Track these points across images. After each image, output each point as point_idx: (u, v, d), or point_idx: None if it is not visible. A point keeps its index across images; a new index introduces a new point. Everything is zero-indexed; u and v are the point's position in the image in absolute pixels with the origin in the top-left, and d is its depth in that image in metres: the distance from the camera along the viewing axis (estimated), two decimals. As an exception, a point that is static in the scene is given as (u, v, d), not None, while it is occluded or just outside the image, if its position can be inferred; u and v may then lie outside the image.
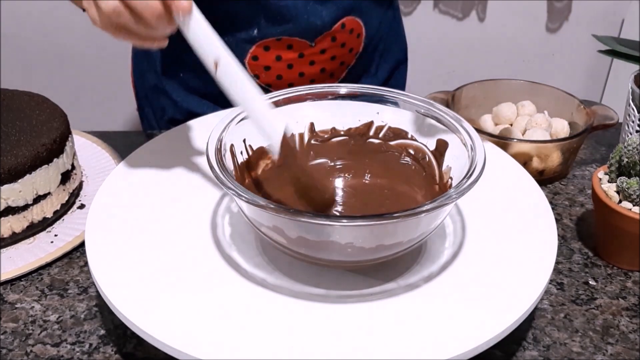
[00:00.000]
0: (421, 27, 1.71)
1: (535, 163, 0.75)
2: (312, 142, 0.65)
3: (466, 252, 0.56)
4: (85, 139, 0.80)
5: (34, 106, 0.71)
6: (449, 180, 0.58)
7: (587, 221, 0.71)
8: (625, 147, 0.61)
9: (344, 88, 0.63)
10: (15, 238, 0.65)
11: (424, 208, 0.47)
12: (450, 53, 1.79)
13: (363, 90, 0.63)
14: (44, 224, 0.67)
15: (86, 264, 0.60)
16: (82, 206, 0.70)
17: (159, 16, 0.51)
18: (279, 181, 0.60)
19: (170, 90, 0.90)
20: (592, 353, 0.55)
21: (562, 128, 0.79)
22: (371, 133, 0.65)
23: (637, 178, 0.60)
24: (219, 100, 0.86)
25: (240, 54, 0.82)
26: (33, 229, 0.66)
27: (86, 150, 0.78)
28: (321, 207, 0.58)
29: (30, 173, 0.64)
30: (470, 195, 0.50)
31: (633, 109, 0.74)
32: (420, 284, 0.53)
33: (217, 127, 0.56)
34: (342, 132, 0.65)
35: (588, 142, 0.86)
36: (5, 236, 0.64)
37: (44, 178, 0.65)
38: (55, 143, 0.66)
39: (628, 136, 0.73)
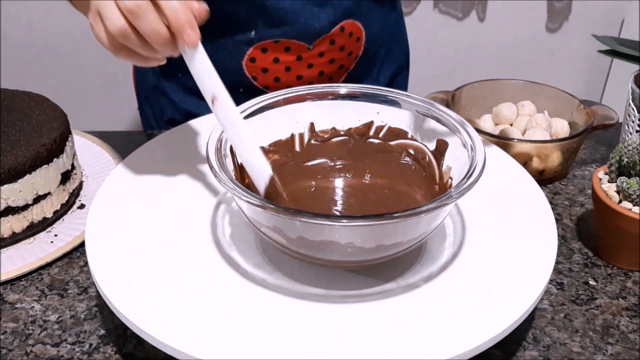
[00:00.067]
0: (421, 27, 1.71)
1: (535, 163, 0.75)
2: (312, 142, 0.65)
3: (466, 252, 0.56)
4: (85, 139, 0.80)
5: (34, 106, 0.71)
6: (449, 180, 0.58)
7: (587, 221, 0.71)
8: (625, 147, 0.61)
9: (344, 88, 0.63)
10: (15, 238, 0.65)
11: (424, 208, 0.47)
12: (450, 53, 1.79)
13: (363, 90, 0.63)
14: (44, 224, 0.67)
15: (86, 264, 0.60)
16: (82, 206, 0.70)
17: (165, 43, 0.51)
18: (279, 181, 0.60)
19: (169, 91, 0.90)
20: (592, 353, 0.55)
21: (562, 128, 0.79)
22: (371, 133, 0.65)
23: (637, 178, 0.60)
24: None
25: (237, 55, 0.82)
26: (33, 229, 0.66)
27: (86, 150, 0.78)
28: None
29: (30, 173, 0.64)
30: (470, 195, 0.50)
31: (633, 109, 0.74)
32: (420, 284, 0.53)
33: (217, 127, 0.56)
34: (342, 132, 0.65)
35: (588, 142, 0.86)
36: (5, 236, 0.64)
37: (44, 178, 0.65)
38: (55, 143, 0.66)
39: (628, 136, 0.73)
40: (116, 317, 0.54)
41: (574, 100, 0.80)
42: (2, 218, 0.63)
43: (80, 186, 0.73)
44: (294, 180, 0.62)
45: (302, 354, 0.46)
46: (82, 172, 0.75)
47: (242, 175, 0.59)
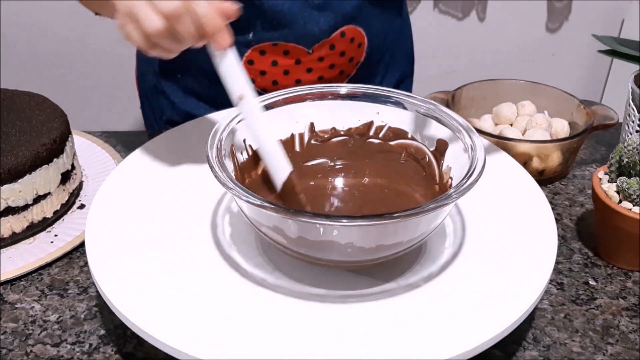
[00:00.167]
0: (421, 27, 1.70)
1: (535, 163, 0.75)
2: (312, 142, 0.65)
3: (466, 252, 0.56)
4: (85, 139, 0.80)
5: (34, 106, 0.71)
6: (449, 180, 0.58)
7: (587, 221, 0.71)
8: (625, 147, 0.61)
9: (344, 88, 0.63)
10: (15, 238, 0.65)
11: (424, 208, 0.47)
12: (450, 53, 1.79)
13: (363, 90, 0.63)
14: (44, 224, 0.67)
15: (86, 264, 0.60)
16: (82, 206, 0.71)
17: (195, 41, 0.55)
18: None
19: (169, 92, 0.89)
20: (592, 353, 0.55)
21: (562, 128, 0.79)
22: (371, 133, 0.65)
23: (637, 178, 0.60)
24: (217, 102, 0.86)
25: None
26: (33, 229, 0.66)
27: (86, 150, 0.78)
28: None
29: (30, 173, 0.64)
30: (470, 195, 0.50)
31: (633, 109, 0.74)
32: (420, 284, 0.53)
33: (217, 127, 0.56)
34: (342, 132, 0.65)
35: (588, 142, 0.86)
36: (5, 236, 0.64)
37: (44, 178, 0.65)
38: (55, 143, 0.66)
39: (628, 136, 0.73)
40: (116, 317, 0.54)
41: (574, 100, 0.80)
42: (2, 218, 0.63)
43: (80, 186, 0.73)
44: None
45: (302, 354, 0.46)
46: (82, 172, 0.75)
47: (242, 176, 0.59)
